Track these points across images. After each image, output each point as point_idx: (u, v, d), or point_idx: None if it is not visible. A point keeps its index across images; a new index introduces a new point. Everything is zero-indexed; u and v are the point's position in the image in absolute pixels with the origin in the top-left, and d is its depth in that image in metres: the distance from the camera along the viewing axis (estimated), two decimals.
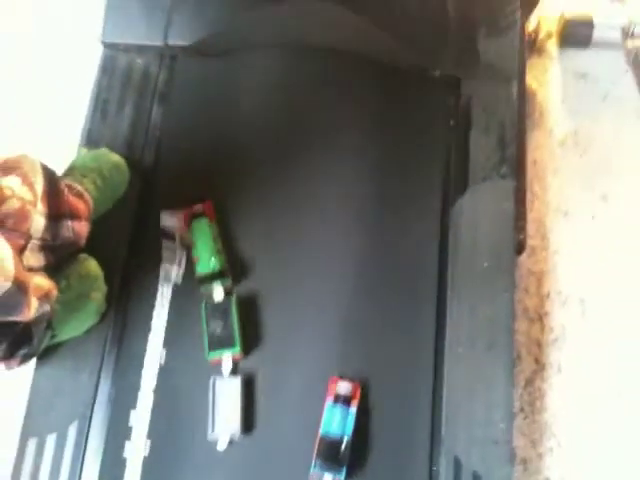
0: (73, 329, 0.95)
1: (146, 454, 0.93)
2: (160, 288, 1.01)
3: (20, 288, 0.75)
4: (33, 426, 0.95)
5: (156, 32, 1.10)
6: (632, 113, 1.26)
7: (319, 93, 1.10)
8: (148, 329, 0.99)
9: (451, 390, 0.94)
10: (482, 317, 0.97)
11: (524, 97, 1.13)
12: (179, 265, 1.02)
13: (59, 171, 0.94)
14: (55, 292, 0.84)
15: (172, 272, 1.01)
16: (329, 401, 0.92)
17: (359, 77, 1.10)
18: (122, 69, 1.11)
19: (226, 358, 0.95)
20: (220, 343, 0.95)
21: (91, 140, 1.07)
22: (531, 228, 1.16)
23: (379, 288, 1.01)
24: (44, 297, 0.80)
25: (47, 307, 0.83)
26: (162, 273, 1.01)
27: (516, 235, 1.05)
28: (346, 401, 0.92)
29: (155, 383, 0.96)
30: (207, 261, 0.99)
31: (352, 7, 1.06)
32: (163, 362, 0.97)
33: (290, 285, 1.01)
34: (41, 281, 0.81)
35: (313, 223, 1.04)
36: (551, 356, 1.10)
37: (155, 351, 0.98)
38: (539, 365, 1.10)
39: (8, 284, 0.73)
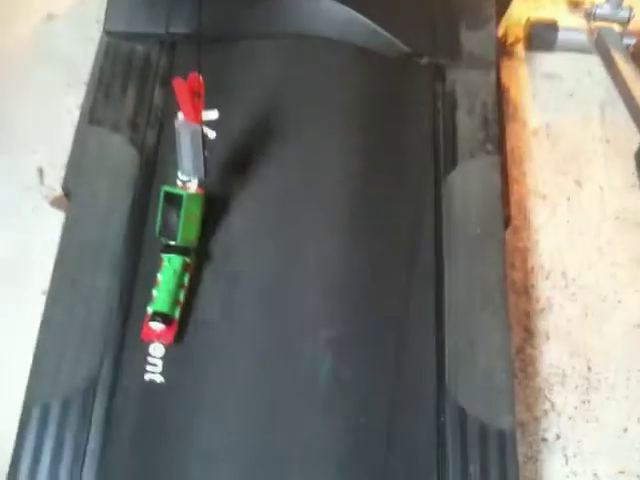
0: None
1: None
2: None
3: None
4: (36, 394, 0.94)
5: (158, 20, 1.15)
6: (596, 108, 1.36)
7: (311, 80, 1.16)
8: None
9: (453, 345, 0.98)
10: (477, 278, 1.03)
11: (500, 85, 1.22)
12: None
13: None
14: None
15: None
16: None
17: (354, 65, 1.16)
18: (124, 56, 1.15)
19: None
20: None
21: (94, 119, 1.10)
22: (513, 209, 1.23)
23: (378, 263, 1.04)
24: None
25: None
26: None
27: (502, 210, 1.12)
28: None
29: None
30: None
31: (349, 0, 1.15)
32: None
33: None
34: None
35: (305, 205, 1.07)
36: (539, 324, 1.15)
37: None
38: (528, 333, 1.15)
39: None
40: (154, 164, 1.10)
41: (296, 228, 1.05)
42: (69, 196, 1.09)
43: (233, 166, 1.08)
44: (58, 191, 1.17)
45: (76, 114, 1.17)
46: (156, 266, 0.99)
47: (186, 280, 0.97)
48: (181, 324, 0.95)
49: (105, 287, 1.00)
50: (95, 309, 0.99)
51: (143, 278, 1.00)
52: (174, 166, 1.05)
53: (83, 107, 1.16)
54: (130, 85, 1.13)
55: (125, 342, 0.96)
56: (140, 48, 1.16)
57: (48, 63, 1.36)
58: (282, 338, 0.96)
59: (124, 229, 1.04)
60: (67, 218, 1.06)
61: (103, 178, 1.08)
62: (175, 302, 0.94)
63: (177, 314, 0.94)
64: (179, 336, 0.94)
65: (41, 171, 1.23)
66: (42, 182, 1.22)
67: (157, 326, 0.92)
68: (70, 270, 1.02)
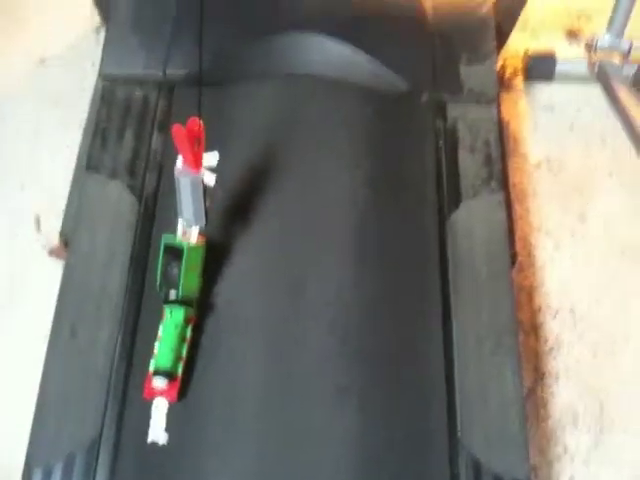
0: None
1: None
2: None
3: None
4: (38, 454, 0.91)
5: (155, 63, 1.14)
6: (597, 139, 1.35)
7: (312, 120, 1.15)
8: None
9: (464, 393, 0.96)
10: (486, 321, 1.01)
11: (501, 121, 1.21)
12: None
13: None
14: None
15: None
16: None
17: (354, 104, 1.15)
18: (121, 100, 1.13)
19: None
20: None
21: (91, 166, 1.08)
22: (518, 246, 1.21)
23: (382, 307, 1.02)
24: None
25: None
26: None
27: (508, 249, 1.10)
28: None
29: None
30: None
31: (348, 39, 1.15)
32: None
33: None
34: None
35: (309, 250, 1.05)
36: (549, 365, 1.13)
37: None
38: (539, 374, 1.13)
39: None
40: (153, 210, 1.08)
41: (300, 274, 1.02)
42: (67, 244, 1.07)
43: (234, 211, 1.06)
44: (56, 239, 1.15)
45: (72, 158, 1.16)
46: (158, 315, 0.96)
47: (188, 332, 0.94)
48: (184, 380, 0.93)
49: (106, 338, 0.98)
50: (96, 362, 0.96)
51: (145, 328, 0.98)
52: (174, 212, 1.03)
53: (80, 153, 1.15)
54: (127, 130, 1.12)
55: (127, 398, 0.93)
56: (137, 91, 1.14)
57: (42, 106, 1.34)
58: (290, 389, 0.94)
59: (124, 278, 1.02)
60: (66, 267, 1.04)
61: (102, 226, 1.05)
62: (178, 358, 0.92)
63: (180, 370, 0.92)
64: (182, 393, 0.92)
65: (38, 219, 1.21)
66: (39, 230, 1.20)
67: (160, 383, 0.90)
68: (70, 321, 0.99)
